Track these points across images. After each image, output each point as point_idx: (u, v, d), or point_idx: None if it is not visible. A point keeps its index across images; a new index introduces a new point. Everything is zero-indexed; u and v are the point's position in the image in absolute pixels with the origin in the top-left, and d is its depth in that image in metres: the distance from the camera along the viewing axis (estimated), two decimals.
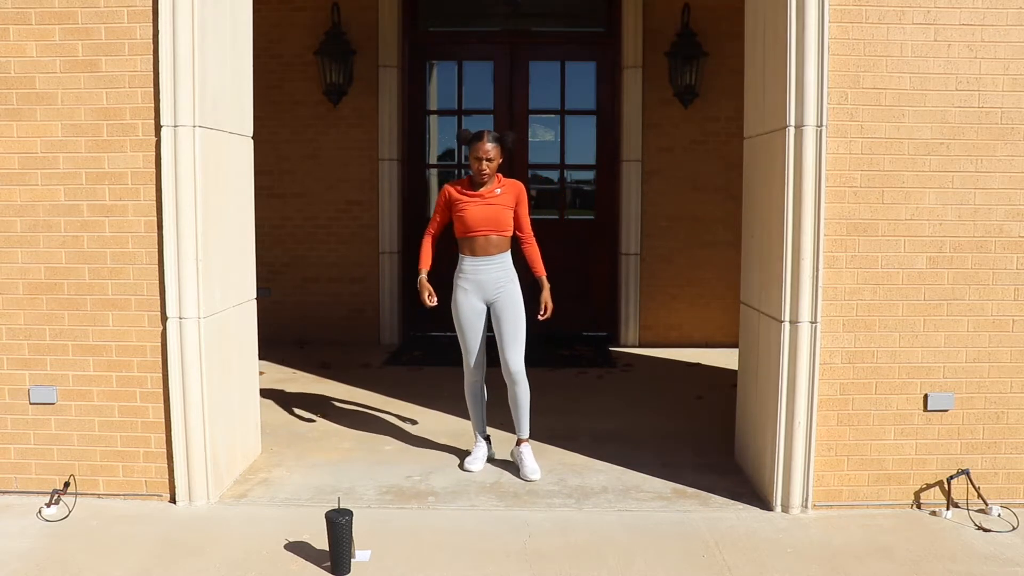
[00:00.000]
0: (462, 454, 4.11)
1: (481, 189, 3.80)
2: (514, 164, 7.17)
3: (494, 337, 3.91)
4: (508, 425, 4.42)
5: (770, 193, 3.55)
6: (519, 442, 3.96)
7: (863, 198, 3.38)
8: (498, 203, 3.79)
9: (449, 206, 3.86)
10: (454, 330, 3.97)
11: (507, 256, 3.87)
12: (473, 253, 3.82)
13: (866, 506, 3.49)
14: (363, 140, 6.84)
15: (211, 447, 3.52)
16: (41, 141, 3.41)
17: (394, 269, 6.94)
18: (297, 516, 3.40)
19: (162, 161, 3.36)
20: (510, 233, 3.85)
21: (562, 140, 7.19)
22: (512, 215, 3.83)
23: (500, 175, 3.85)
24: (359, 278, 6.94)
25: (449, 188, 3.87)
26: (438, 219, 3.92)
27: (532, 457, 3.90)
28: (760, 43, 3.69)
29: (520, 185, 3.89)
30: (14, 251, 3.46)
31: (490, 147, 3.73)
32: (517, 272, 3.90)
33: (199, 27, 3.33)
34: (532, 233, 3.92)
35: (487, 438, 4.07)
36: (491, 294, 3.84)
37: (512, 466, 3.98)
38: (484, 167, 3.74)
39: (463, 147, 3.93)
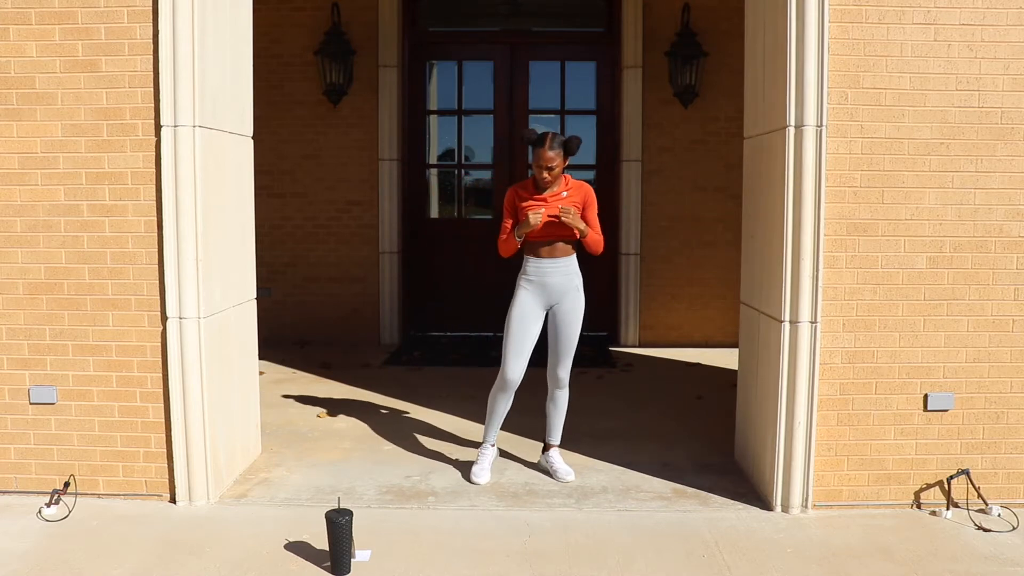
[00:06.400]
0: (462, 454, 4.11)
1: (545, 192, 3.69)
2: (514, 164, 7.21)
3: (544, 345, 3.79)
4: (509, 426, 4.42)
5: (770, 193, 3.56)
6: (547, 448, 3.94)
7: (863, 198, 3.38)
8: (563, 206, 3.66)
9: (514, 208, 3.75)
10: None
11: (573, 260, 3.77)
12: (538, 256, 3.72)
13: (866, 506, 3.49)
14: (363, 140, 6.84)
15: (211, 447, 3.52)
16: (41, 141, 3.41)
17: (394, 269, 6.94)
18: (297, 516, 3.40)
19: (162, 161, 3.36)
20: (576, 237, 3.72)
21: None
22: (579, 218, 3.69)
23: (567, 176, 3.75)
24: (359, 278, 6.94)
25: (513, 191, 3.76)
26: (510, 222, 3.76)
27: (562, 460, 3.90)
28: (760, 43, 3.69)
29: (588, 187, 3.77)
30: (14, 251, 3.46)
31: (552, 154, 3.60)
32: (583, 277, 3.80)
33: (199, 27, 3.33)
34: (600, 232, 3.78)
35: (494, 447, 3.94)
36: (555, 298, 3.75)
37: (511, 466, 3.99)
38: (546, 176, 3.63)
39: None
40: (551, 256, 3.73)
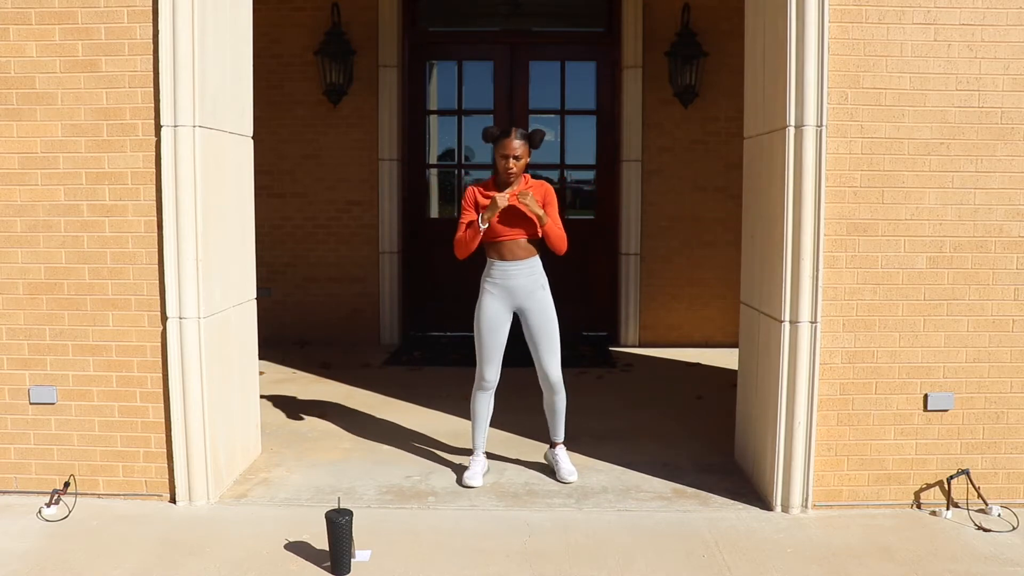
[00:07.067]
0: (462, 455, 4.11)
1: (506, 191, 3.68)
2: None
3: (510, 347, 3.79)
4: (508, 426, 4.42)
5: (770, 193, 3.56)
6: (553, 445, 3.92)
7: (863, 198, 3.38)
8: (522, 191, 3.63)
9: (475, 206, 3.72)
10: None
11: (536, 260, 3.75)
12: (501, 257, 3.71)
13: (866, 506, 3.49)
14: (363, 140, 6.84)
15: (211, 447, 3.52)
16: (41, 141, 3.41)
17: (394, 269, 6.94)
18: (297, 516, 3.40)
19: (162, 161, 3.36)
20: (539, 236, 3.71)
21: (562, 140, 7.18)
22: (536, 202, 3.64)
23: (528, 175, 3.74)
24: (359, 278, 6.94)
25: (474, 190, 3.75)
26: (467, 218, 3.72)
27: (568, 459, 3.88)
28: (760, 43, 3.69)
29: (547, 186, 3.75)
30: (14, 251, 3.46)
31: (517, 144, 3.61)
32: (548, 278, 3.79)
33: (199, 27, 3.33)
34: (562, 228, 3.73)
35: (485, 455, 3.92)
36: (520, 301, 3.73)
37: (511, 466, 3.99)
38: (511, 165, 3.62)
39: (489, 145, 3.74)
40: (514, 258, 3.71)
